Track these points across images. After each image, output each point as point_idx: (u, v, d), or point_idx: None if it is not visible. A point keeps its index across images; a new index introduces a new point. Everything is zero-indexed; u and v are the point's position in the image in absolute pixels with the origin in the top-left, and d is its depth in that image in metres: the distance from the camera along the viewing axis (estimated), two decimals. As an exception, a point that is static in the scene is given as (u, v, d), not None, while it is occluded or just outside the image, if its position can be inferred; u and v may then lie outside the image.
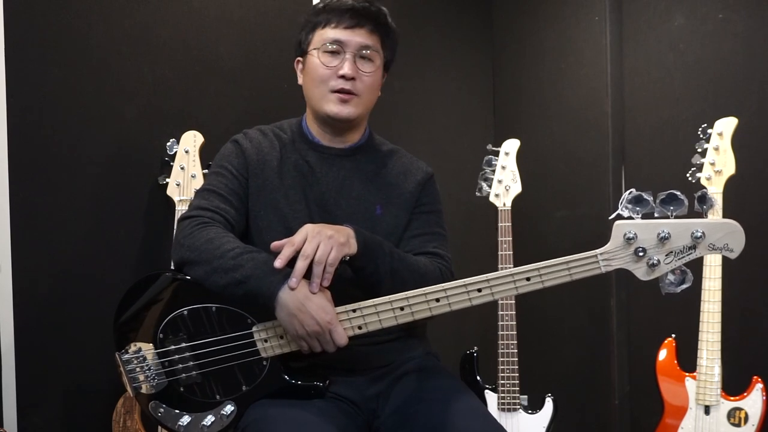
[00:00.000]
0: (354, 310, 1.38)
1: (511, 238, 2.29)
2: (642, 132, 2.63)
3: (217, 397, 1.42)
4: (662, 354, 2.17)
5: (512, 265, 2.27)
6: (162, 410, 1.44)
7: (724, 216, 2.02)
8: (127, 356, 1.43)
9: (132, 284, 1.45)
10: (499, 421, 2.27)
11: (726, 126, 2.06)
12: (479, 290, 1.35)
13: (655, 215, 1.27)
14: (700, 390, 2.07)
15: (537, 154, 2.82)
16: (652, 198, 1.26)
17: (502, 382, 2.28)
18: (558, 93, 2.84)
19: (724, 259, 1.95)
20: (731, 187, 2.06)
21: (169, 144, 2.16)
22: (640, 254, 1.27)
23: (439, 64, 2.97)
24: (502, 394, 2.28)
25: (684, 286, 1.28)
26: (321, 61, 1.52)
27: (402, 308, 1.37)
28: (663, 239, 1.26)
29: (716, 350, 2.05)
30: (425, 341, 1.64)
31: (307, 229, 1.35)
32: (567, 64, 2.80)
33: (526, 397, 2.31)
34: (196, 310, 1.41)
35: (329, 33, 1.52)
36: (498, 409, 2.29)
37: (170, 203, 2.13)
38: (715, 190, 2.05)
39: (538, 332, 2.80)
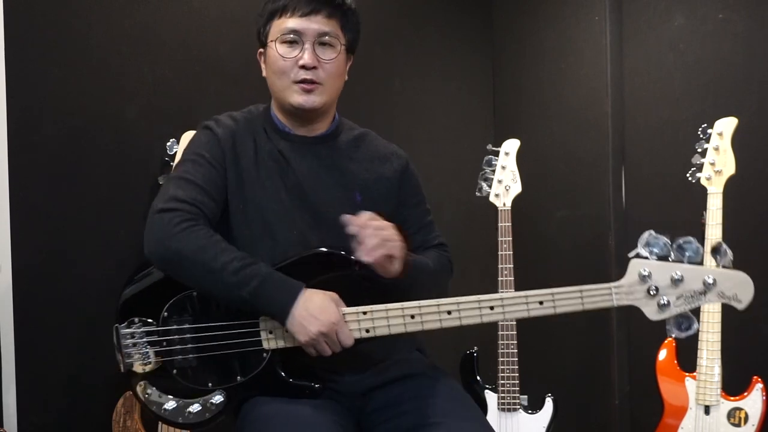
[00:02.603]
0: (364, 313, 1.37)
1: (511, 238, 2.29)
2: (642, 132, 2.63)
3: (209, 384, 1.41)
4: (662, 354, 2.16)
5: (512, 265, 2.27)
6: (150, 392, 1.42)
7: (723, 220, 2.03)
8: (126, 330, 1.40)
9: (143, 261, 1.43)
10: (499, 420, 2.28)
11: (726, 126, 2.05)
12: (492, 308, 1.36)
13: (670, 258, 1.30)
14: (700, 390, 2.06)
15: (537, 154, 2.81)
16: (669, 241, 1.30)
17: (502, 382, 2.28)
18: (558, 93, 2.84)
19: (724, 259, 1.95)
20: (731, 187, 2.06)
21: (169, 144, 2.16)
22: (652, 293, 1.30)
23: (439, 64, 2.97)
24: (502, 394, 2.28)
25: (689, 333, 1.31)
26: (280, 53, 1.49)
27: (413, 316, 1.37)
28: (676, 281, 1.29)
29: (716, 350, 2.05)
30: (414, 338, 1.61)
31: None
32: (567, 64, 2.80)
33: (526, 397, 2.31)
34: None
35: (285, 23, 1.48)
36: (498, 409, 2.29)
37: (170, 203, 2.13)
38: (714, 189, 2.05)
39: (538, 332, 2.80)
